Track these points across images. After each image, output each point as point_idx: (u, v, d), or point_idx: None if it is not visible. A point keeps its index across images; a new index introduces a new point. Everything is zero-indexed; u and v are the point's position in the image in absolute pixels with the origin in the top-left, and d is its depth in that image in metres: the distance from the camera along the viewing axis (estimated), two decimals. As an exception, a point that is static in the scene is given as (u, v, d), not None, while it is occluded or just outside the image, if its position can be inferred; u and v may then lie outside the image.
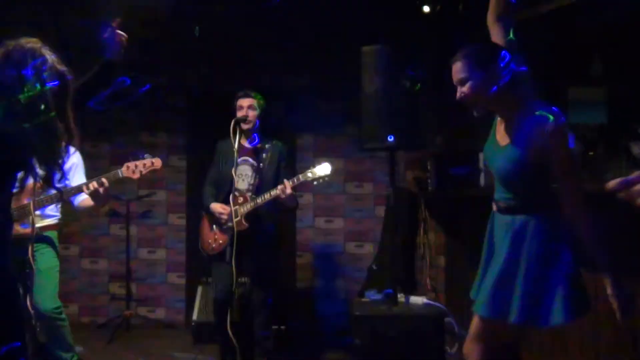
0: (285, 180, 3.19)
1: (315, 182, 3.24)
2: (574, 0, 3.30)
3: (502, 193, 2.10)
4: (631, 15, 3.29)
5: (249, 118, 3.33)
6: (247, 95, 3.37)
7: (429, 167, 4.30)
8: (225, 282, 3.24)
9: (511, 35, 2.12)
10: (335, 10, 4.38)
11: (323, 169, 3.22)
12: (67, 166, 3.00)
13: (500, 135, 2.11)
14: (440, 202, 4.47)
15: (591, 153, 3.34)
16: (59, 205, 3.18)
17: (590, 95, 3.83)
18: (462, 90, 2.05)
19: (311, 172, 3.22)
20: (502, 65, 1.99)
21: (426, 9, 4.09)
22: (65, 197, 2.89)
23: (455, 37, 4.09)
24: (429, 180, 4.31)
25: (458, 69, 2.05)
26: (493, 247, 2.12)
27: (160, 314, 4.87)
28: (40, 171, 1.77)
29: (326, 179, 3.23)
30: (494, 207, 2.14)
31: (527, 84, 2.05)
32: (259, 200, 3.25)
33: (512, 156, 1.99)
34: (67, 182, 2.86)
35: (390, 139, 3.26)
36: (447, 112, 4.25)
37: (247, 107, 3.34)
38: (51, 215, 3.14)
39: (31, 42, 1.78)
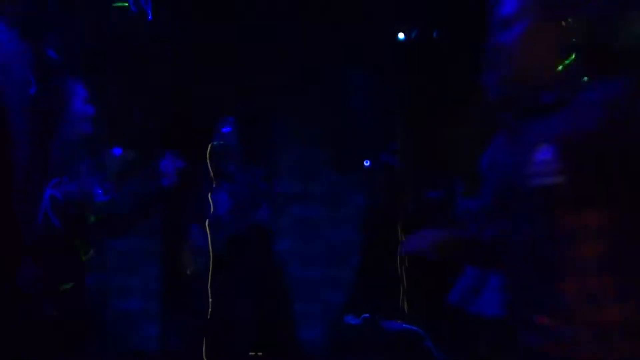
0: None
1: None
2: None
3: None
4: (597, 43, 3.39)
5: (228, 143, 3.33)
6: (226, 120, 3.37)
7: (406, 191, 4.34)
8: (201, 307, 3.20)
9: None
10: (314, 35, 4.43)
11: None
12: None
13: None
14: (418, 225, 4.49)
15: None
16: None
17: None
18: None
19: None
20: None
21: (401, 35, 4.17)
22: None
23: (430, 63, 4.18)
24: (407, 204, 4.34)
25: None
26: None
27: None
28: None
29: None
30: None
31: None
32: (237, 225, 3.24)
33: None
34: None
35: (367, 162, 3.29)
36: (425, 137, 4.31)
37: (226, 132, 3.34)
38: None
39: None
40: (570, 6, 1.31)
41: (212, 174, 3.23)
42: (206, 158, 3.25)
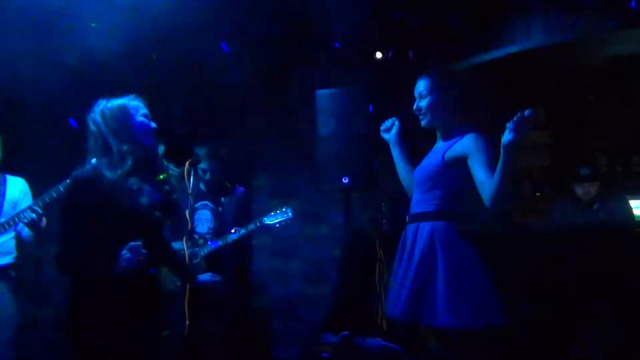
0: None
1: (277, 225, 3.23)
2: (516, 51, 3.49)
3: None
4: (570, 65, 3.50)
5: (208, 168, 3.32)
6: (205, 145, 3.35)
7: (383, 208, 4.37)
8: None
9: None
10: (291, 53, 4.47)
11: (285, 214, 3.22)
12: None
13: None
14: (395, 242, 4.51)
15: (538, 194, 3.48)
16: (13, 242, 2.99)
17: (534, 138, 4.01)
18: (419, 104, 2.23)
19: (273, 216, 3.21)
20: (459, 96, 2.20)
21: (378, 55, 4.23)
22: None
23: (406, 82, 4.24)
24: (384, 221, 4.36)
25: (422, 84, 2.22)
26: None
27: None
28: None
29: (288, 222, 3.23)
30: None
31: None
32: (220, 243, 3.22)
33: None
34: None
35: (345, 180, 3.31)
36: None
37: (207, 151, 3.33)
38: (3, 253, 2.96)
39: None
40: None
41: (190, 191, 3.21)
42: (183, 176, 3.22)
